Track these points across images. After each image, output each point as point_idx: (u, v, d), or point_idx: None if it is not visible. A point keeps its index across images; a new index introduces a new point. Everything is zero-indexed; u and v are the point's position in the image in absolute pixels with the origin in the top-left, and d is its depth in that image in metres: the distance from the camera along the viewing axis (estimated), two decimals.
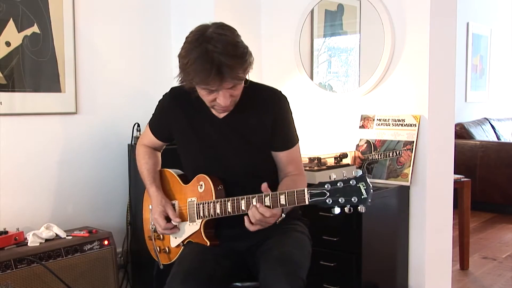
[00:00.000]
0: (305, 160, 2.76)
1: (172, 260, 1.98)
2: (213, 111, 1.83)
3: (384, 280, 2.71)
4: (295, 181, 1.83)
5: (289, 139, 1.88)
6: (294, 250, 1.75)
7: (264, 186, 1.65)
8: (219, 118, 1.85)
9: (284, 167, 1.88)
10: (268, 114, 1.81)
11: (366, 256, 2.51)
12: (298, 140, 1.92)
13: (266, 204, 1.63)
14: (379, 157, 2.87)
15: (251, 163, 1.85)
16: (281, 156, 1.87)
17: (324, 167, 2.70)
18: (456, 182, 3.53)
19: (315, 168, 2.65)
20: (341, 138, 3.11)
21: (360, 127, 2.99)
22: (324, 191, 1.51)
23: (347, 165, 2.84)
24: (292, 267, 1.66)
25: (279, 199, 1.60)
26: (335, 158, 2.82)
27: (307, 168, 2.63)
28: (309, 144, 3.19)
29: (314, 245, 1.95)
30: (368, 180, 1.48)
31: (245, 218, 1.66)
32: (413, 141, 2.77)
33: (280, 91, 1.87)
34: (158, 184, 2.00)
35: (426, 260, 2.81)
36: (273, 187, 1.75)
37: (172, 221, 1.91)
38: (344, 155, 2.84)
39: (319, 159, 2.72)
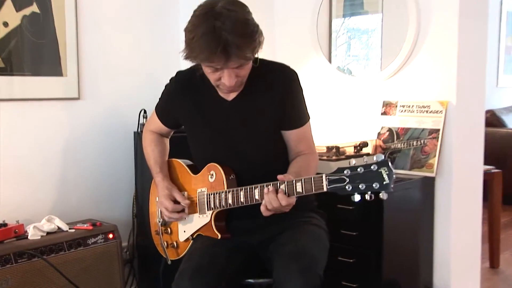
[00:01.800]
0: (322, 149, 2.75)
1: (181, 255, 1.99)
2: (220, 93, 1.84)
3: (407, 277, 2.70)
4: (307, 161, 1.84)
5: (299, 116, 1.88)
6: (310, 245, 1.76)
7: (280, 176, 1.66)
8: (228, 101, 1.86)
9: (294, 146, 1.89)
10: (276, 91, 1.82)
11: (387, 252, 2.50)
12: (309, 118, 1.92)
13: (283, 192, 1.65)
14: (402, 146, 2.85)
15: (263, 148, 1.86)
16: (291, 136, 1.87)
17: (343, 156, 2.69)
18: (485, 173, 3.48)
19: (333, 157, 2.65)
20: (361, 125, 3.10)
21: (382, 114, 2.98)
22: (343, 177, 1.51)
23: (368, 154, 2.83)
24: (307, 262, 1.66)
25: (295, 187, 1.61)
26: (354, 147, 2.82)
27: (325, 157, 2.64)
28: (327, 132, 3.18)
29: (331, 239, 1.96)
30: (390, 164, 1.47)
31: (262, 203, 1.67)
32: (439, 129, 2.75)
33: (289, 66, 1.87)
34: (165, 173, 2.02)
35: (452, 256, 2.79)
36: (285, 170, 1.80)
37: (181, 203, 1.92)
38: (365, 144, 2.83)
39: (337, 148, 2.72)
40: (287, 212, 1.71)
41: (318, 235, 1.88)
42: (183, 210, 1.94)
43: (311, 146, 1.92)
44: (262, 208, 1.67)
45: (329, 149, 2.73)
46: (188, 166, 2.02)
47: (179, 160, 2.07)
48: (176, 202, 1.93)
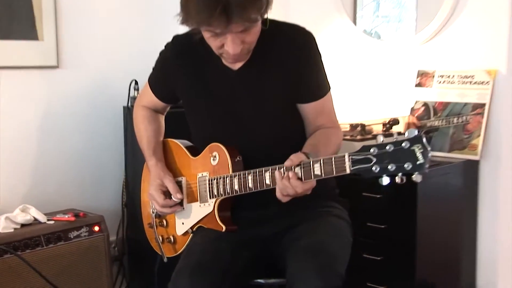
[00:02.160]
0: (345, 127, 2.75)
1: (179, 252, 2.01)
2: (225, 62, 1.84)
3: (444, 278, 2.70)
4: (327, 134, 1.86)
5: (317, 86, 1.89)
6: (329, 239, 1.77)
7: (293, 159, 1.66)
8: (234, 71, 1.86)
9: (313, 121, 1.90)
10: (290, 58, 1.82)
11: (421, 248, 2.50)
12: (330, 88, 1.92)
13: (298, 176, 1.65)
14: (441, 123, 2.85)
15: (276, 125, 1.87)
16: (308, 109, 1.89)
17: (370, 136, 2.69)
18: None
19: (358, 137, 2.64)
20: (391, 99, 3.09)
21: (416, 85, 2.97)
22: (369, 156, 1.51)
23: (399, 133, 2.77)
24: (325, 259, 1.68)
25: (313, 169, 1.61)
26: (383, 125, 2.82)
27: (348, 137, 2.62)
28: (351, 107, 3.17)
29: (355, 233, 1.96)
30: (425, 141, 1.47)
31: (277, 188, 1.67)
32: (485, 104, 2.74)
33: (304, 28, 1.86)
34: (159, 156, 2.04)
35: (499, 253, 2.79)
36: (300, 148, 1.79)
37: (172, 197, 1.94)
38: (395, 121, 2.83)
39: (363, 126, 2.71)
40: (304, 201, 1.72)
41: (340, 228, 1.89)
42: (179, 203, 1.96)
43: (333, 120, 1.93)
44: (278, 195, 1.68)
45: (353, 127, 2.72)
46: (187, 147, 2.03)
47: (176, 141, 2.07)
48: (169, 194, 1.95)
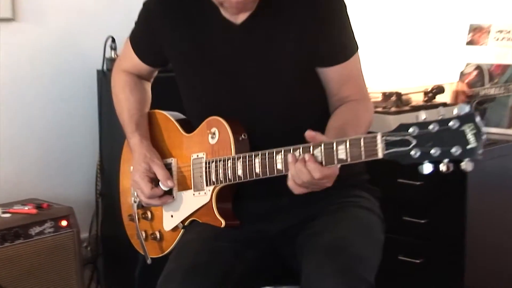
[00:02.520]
0: (376, 96, 2.75)
1: (166, 251, 2.02)
2: (225, 13, 1.85)
3: (499, 287, 2.71)
4: (355, 111, 1.87)
5: (341, 46, 1.90)
6: (354, 236, 1.77)
7: (310, 134, 1.64)
8: (236, 25, 1.86)
9: (336, 91, 1.91)
10: (308, 9, 1.83)
11: (471, 250, 2.50)
12: (358, 48, 1.93)
13: (318, 160, 1.64)
14: (498, 92, 2.85)
15: (290, 94, 1.88)
16: (331, 75, 1.89)
17: (407, 107, 2.68)
18: None
19: (393, 109, 2.63)
20: (435, 62, 3.08)
21: (467, 43, 2.98)
22: (408, 137, 1.49)
23: (445, 104, 2.82)
24: (349, 261, 1.68)
25: (336, 152, 1.60)
26: (425, 93, 2.82)
27: (380, 109, 2.62)
28: (384, 72, 3.16)
29: (388, 230, 1.95)
30: (479, 120, 1.47)
31: (289, 175, 1.67)
32: None
33: None
34: (144, 132, 2.04)
35: None
36: (321, 125, 1.79)
37: (160, 185, 1.94)
38: (440, 90, 2.83)
39: (399, 95, 2.70)
40: (323, 190, 1.71)
41: (368, 222, 1.89)
42: (168, 192, 1.97)
43: (362, 90, 1.94)
44: (289, 183, 1.68)
45: (386, 96, 2.71)
46: (179, 121, 2.04)
47: (165, 112, 2.08)
48: (157, 181, 1.96)
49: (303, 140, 1.65)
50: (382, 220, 1.96)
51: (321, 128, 1.74)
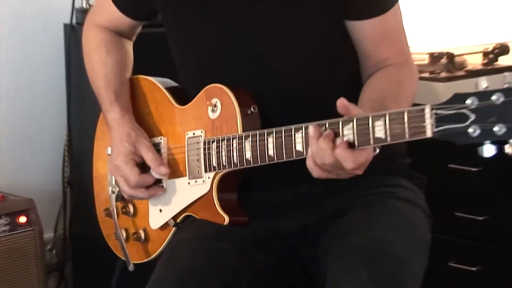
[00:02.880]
0: (421, 58, 2.75)
1: (153, 256, 2.04)
2: None
3: None
4: (398, 81, 1.87)
5: None
6: (394, 236, 1.77)
7: (344, 103, 1.63)
8: None
9: (372, 51, 1.92)
10: None
11: None
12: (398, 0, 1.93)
13: (345, 139, 1.63)
14: None
15: (313, 57, 1.89)
16: (365, 32, 1.91)
17: (462, 72, 2.68)
18: None
19: (443, 74, 2.63)
20: (496, 14, 3.08)
21: None
22: (464, 111, 1.48)
23: (509, 68, 2.81)
24: (387, 268, 1.69)
25: (373, 129, 1.59)
26: (484, 54, 2.82)
27: (426, 75, 2.62)
28: (430, 28, 3.16)
29: (436, 228, 1.96)
30: None
31: (309, 152, 1.67)
32: None
33: None
34: (125, 104, 2.05)
35: None
36: (352, 95, 1.79)
37: (152, 172, 1.95)
38: (503, 49, 2.84)
39: (450, 56, 2.70)
40: (353, 177, 1.71)
41: (411, 218, 1.89)
42: (156, 181, 1.98)
43: (404, 51, 1.96)
44: (308, 162, 1.68)
45: (434, 58, 2.71)
46: (170, 89, 2.05)
47: (151, 79, 2.09)
48: (145, 167, 1.97)
49: (328, 115, 1.66)
50: (428, 215, 1.96)
51: (353, 100, 1.72)
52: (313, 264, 1.87)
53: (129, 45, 2.19)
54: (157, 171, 1.94)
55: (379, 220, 1.83)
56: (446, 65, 2.71)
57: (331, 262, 1.75)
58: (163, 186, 1.98)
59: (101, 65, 2.10)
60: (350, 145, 1.61)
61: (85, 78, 2.18)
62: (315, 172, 1.67)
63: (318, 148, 1.62)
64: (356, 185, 1.86)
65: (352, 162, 1.60)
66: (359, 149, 1.60)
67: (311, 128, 1.64)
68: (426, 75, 2.66)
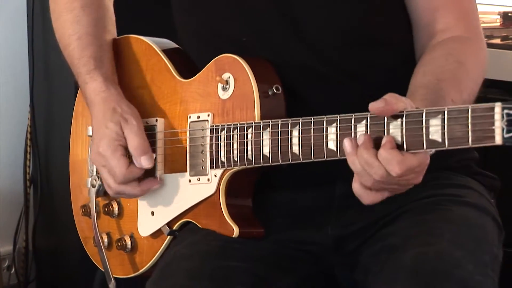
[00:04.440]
0: (491, 19, 2.65)
1: (141, 270, 1.90)
2: None
3: None
4: (458, 56, 1.73)
5: None
6: (460, 253, 1.59)
7: (378, 107, 1.47)
8: None
9: (429, 19, 1.81)
10: None
11: None
12: None
13: (396, 141, 1.49)
14: None
15: (358, 21, 1.78)
16: None
17: None
18: None
19: None
20: None
21: None
22: None
23: None
24: None
25: (427, 130, 1.45)
26: None
27: (498, 40, 2.61)
28: None
29: (506, 241, 1.81)
30: None
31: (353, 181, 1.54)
32: None
33: None
34: (109, 71, 1.90)
35: None
36: (403, 73, 1.71)
37: (142, 160, 1.77)
38: None
39: None
40: None
41: (482, 231, 1.71)
42: (148, 173, 1.84)
43: (469, 20, 1.83)
44: (354, 186, 1.54)
45: (507, 19, 2.60)
46: (170, 54, 1.91)
47: (146, 39, 1.94)
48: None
49: (374, 99, 1.52)
50: (499, 226, 1.80)
51: (404, 81, 1.68)
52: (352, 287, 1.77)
53: (108, 2, 2.05)
54: (138, 161, 1.78)
55: (441, 232, 1.65)
56: None
57: (377, 284, 1.62)
58: (155, 175, 1.87)
59: (75, 24, 1.95)
60: (398, 147, 1.50)
61: (52, 40, 2.04)
62: (366, 199, 1.55)
63: (360, 162, 1.50)
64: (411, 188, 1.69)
65: (398, 164, 1.46)
66: (410, 152, 1.49)
67: (346, 142, 1.52)
68: (496, 41, 2.58)
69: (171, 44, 1.95)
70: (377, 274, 1.62)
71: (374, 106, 1.47)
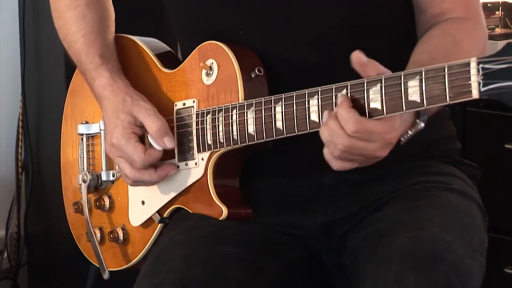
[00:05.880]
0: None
1: (134, 261, 1.91)
2: None
3: None
4: (455, 35, 1.75)
5: None
6: (450, 237, 1.60)
7: (358, 56, 1.50)
8: None
9: (429, 2, 1.82)
10: None
11: None
12: None
13: (371, 106, 1.52)
14: None
15: (356, 3, 1.78)
16: None
17: None
18: None
19: (498, 30, 2.62)
20: None
21: None
22: None
23: None
24: (445, 277, 1.54)
25: (405, 90, 1.47)
26: None
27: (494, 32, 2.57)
28: None
29: (491, 227, 1.84)
30: None
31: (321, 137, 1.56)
32: None
33: None
34: (115, 66, 1.92)
35: None
36: (401, 59, 1.67)
37: (165, 141, 1.77)
38: None
39: (508, 7, 2.67)
40: (393, 162, 1.64)
41: (469, 216, 1.73)
42: (167, 156, 1.84)
43: (468, 2, 1.84)
44: (325, 152, 1.54)
45: (487, 9, 2.62)
46: (156, 50, 1.95)
47: (134, 38, 1.98)
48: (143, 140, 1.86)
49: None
50: (483, 212, 1.83)
51: (403, 63, 1.65)
52: (340, 273, 1.77)
53: (108, 1, 2.07)
54: (160, 143, 1.79)
55: (431, 217, 1.67)
56: (502, 18, 2.65)
57: (368, 271, 1.62)
58: (177, 165, 1.87)
59: (80, 21, 1.97)
60: (378, 111, 1.52)
61: (44, 35, 2.08)
62: (334, 164, 1.56)
63: (329, 130, 1.53)
64: (397, 174, 1.76)
65: (354, 123, 1.49)
66: (374, 118, 1.52)
67: (325, 113, 1.56)
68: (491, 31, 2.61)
69: (157, 42, 2.00)
70: (369, 257, 1.63)
71: (359, 57, 1.50)
